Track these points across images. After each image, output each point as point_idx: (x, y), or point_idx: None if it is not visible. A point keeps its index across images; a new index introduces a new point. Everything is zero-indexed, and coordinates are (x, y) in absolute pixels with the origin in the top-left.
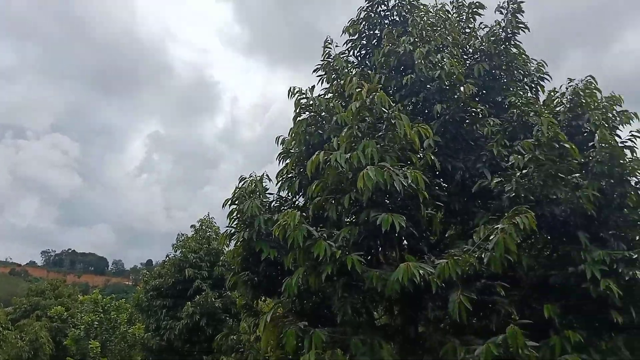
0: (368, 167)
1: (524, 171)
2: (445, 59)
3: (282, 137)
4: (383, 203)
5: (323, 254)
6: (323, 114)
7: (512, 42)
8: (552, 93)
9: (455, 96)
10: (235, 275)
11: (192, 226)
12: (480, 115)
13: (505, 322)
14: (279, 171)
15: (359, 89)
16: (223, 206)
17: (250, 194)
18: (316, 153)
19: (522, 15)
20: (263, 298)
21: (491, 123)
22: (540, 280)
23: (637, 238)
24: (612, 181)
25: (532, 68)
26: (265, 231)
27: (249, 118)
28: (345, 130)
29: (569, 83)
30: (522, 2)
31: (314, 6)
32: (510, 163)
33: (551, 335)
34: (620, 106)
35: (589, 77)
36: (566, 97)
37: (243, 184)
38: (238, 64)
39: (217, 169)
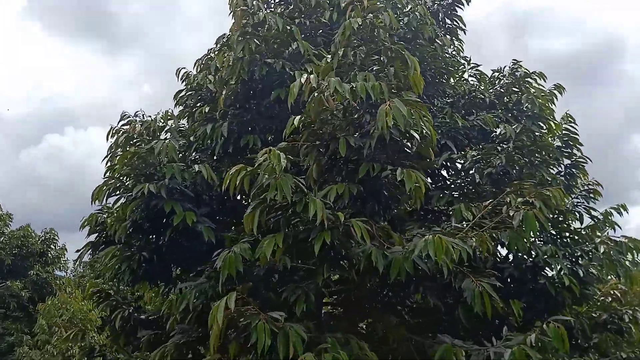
0: (394, 99)
1: (507, 144)
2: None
3: (185, 70)
4: (376, 156)
5: (320, 216)
6: (278, 39)
7: None
8: (495, 72)
9: None
10: (111, 247)
11: None
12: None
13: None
14: (179, 113)
15: (358, 3)
16: (108, 137)
17: (159, 131)
18: (304, 76)
19: None
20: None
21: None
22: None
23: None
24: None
25: None
26: (179, 187)
27: (12, 92)
28: (335, 54)
29: (514, 64)
30: None
31: None
32: (499, 132)
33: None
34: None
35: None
36: (511, 78)
37: (129, 122)
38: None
39: None
